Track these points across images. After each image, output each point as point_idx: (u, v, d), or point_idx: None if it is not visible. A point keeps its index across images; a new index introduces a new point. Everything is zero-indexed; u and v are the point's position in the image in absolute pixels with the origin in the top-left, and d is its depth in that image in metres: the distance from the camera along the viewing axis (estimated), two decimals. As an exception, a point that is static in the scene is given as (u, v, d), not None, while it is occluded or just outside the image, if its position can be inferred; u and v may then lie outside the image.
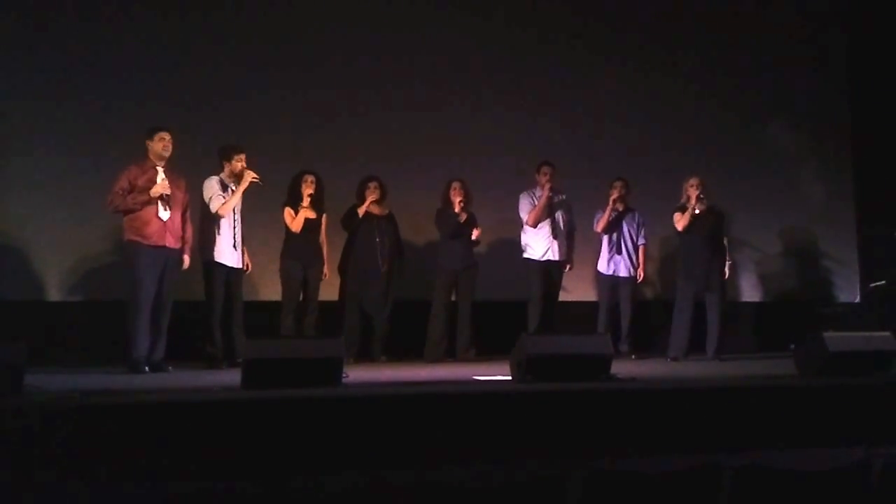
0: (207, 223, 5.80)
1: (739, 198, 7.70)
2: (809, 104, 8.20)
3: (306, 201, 6.12)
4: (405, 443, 3.41)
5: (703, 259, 6.39)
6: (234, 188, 5.83)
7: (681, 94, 7.83)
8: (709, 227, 6.42)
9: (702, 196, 6.37)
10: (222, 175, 5.87)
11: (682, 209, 6.42)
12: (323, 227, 6.30)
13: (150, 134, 5.48)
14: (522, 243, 6.71)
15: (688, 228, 6.41)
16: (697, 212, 6.36)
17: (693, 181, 6.43)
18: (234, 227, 5.84)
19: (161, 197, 5.40)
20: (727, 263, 6.55)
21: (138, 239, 5.36)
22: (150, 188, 5.38)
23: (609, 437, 3.62)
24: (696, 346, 6.42)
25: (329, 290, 6.43)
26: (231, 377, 4.22)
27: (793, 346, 4.81)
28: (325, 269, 6.30)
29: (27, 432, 3.14)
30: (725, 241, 6.58)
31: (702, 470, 2.37)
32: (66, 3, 6.66)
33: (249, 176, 5.77)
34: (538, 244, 6.64)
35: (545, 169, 6.61)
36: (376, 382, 4.51)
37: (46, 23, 6.59)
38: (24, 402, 3.45)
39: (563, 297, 6.90)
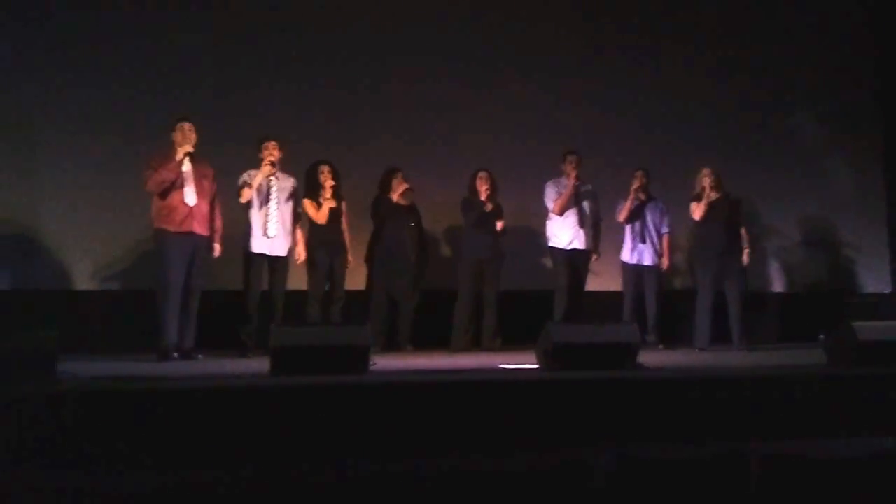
0: (245, 214, 5.92)
1: (768, 187, 7.64)
2: (839, 92, 8.10)
3: (329, 192, 6.15)
4: (432, 431, 3.42)
5: (719, 248, 6.39)
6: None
7: (708, 83, 7.76)
8: (725, 216, 6.42)
9: (714, 185, 6.36)
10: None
11: (698, 199, 6.44)
12: (344, 214, 6.33)
13: (172, 125, 5.56)
14: (548, 232, 6.69)
15: (704, 217, 6.40)
16: (711, 200, 6.35)
17: (706, 171, 6.45)
18: (267, 216, 5.90)
19: (186, 180, 5.45)
20: (745, 251, 6.50)
21: (165, 226, 5.43)
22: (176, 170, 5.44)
23: (636, 426, 3.61)
24: (724, 336, 6.38)
25: (354, 279, 6.47)
26: (261, 365, 4.26)
27: (822, 336, 4.76)
28: (349, 257, 6.34)
29: (60, 419, 3.18)
30: (743, 230, 6.54)
31: (729, 457, 2.36)
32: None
33: (265, 161, 5.84)
34: (564, 233, 6.62)
35: (571, 158, 6.59)
36: (403, 370, 4.52)
37: (80, 15, 6.68)
38: (56, 389, 3.50)
39: (590, 286, 6.88)
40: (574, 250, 6.62)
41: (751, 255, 6.58)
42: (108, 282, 6.61)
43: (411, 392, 3.55)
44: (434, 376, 4.13)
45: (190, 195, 5.47)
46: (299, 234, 6.14)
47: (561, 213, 6.60)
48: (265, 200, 5.93)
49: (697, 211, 6.43)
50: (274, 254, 5.94)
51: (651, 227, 6.78)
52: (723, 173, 6.68)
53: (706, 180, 6.42)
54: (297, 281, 6.33)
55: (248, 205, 5.91)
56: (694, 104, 7.72)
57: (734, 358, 5.63)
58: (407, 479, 2.70)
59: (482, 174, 6.56)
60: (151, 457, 3.14)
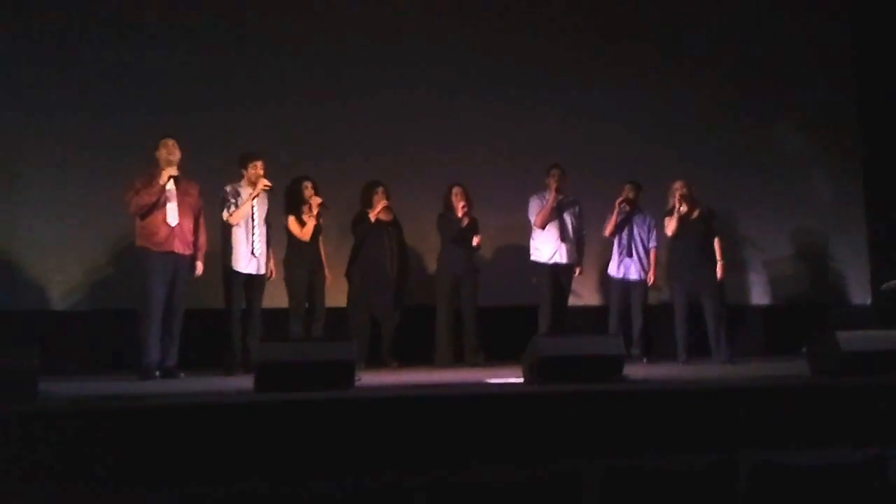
0: (226, 231, 5.88)
1: (748, 199, 7.69)
2: (818, 104, 8.16)
3: (316, 209, 6.12)
4: (419, 445, 3.40)
5: (691, 263, 6.41)
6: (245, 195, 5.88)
7: (690, 96, 7.80)
8: (698, 231, 6.45)
9: (684, 199, 6.40)
10: (242, 183, 5.93)
11: (670, 213, 6.48)
12: (321, 231, 6.30)
13: (156, 142, 5.55)
14: (531, 246, 6.71)
15: (677, 233, 6.44)
16: (682, 214, 6.39)
17: (676, 185, 6.50)
18: (253, 234, 5.89)
19: (169, 199, 5.43)
20: (719, 264, 6.53)
21: (147, 245, 5.41)
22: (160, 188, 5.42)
23: (623, 438, 3.61)
24: (708, 349, 6.40)
25: (336, 296, 6.44)
26: (245, 383, 4.23)
27: (804, 348, 4.79)
28: (327, 273, 6.31)
29: (42, 438, 3.15)
30: (717, 243, 6.53)
31: (718, 466, 2.36)
32: (74, 14, 6.72)
33: (262, 183, 5.83)
34: (546, 247, 6.63)
35: (553, 171, 6.62)
36: (389, 385, 4.51)
37: (59, 33, 6.65)
38: (38, 408, 3.46)
39: (574, 301, 6.90)
40: (556, 264, 6.63)
41: (725, 268, 6.57)
42: (90, 301, 6.54)
43: (398, 406, 3.53)
44: (420, 391, 4.12)
45: (172, 215, 5.45)
46: (271, 251, 6.10)
47: (542, 227, 6.62)
48: (250, 219, 5.90)
49: (670, 226, 6.47)
50: (256, 272, 5.92)
51: (638, 241, 6.79)
52: (705, 185, 6.75)
53: (676, 194, 6.46)
54: (277, 299, 6.29)
55: (230, 223, 5.86)
56: (679, 117, 7.75)
57: (717, 371, 5.65)
58: (394, 493, 2.68)
59: (456, 190, 6.57)
60: (135, 475, 3.11)
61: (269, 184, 5.84)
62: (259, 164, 5.92)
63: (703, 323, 6.42)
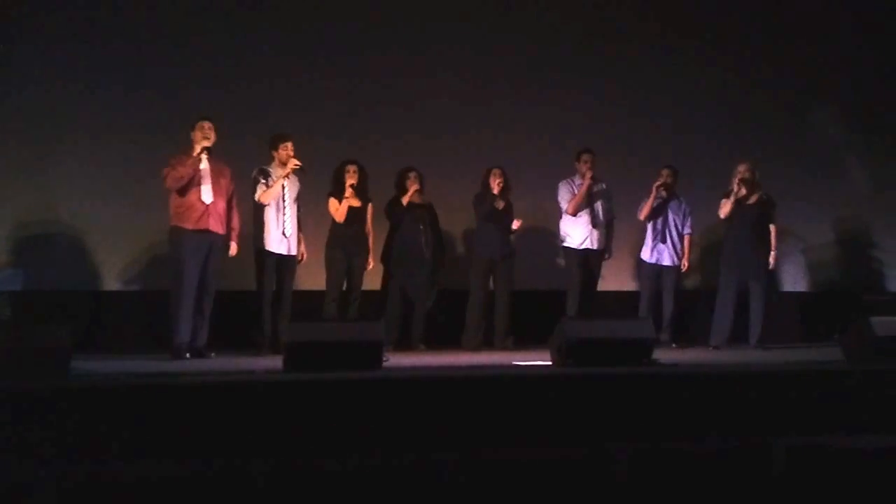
0: (258, 212, 5.93)
1: (786, 185, 7.52)
2: (859, 90, 8.00)
3: (349, 192, 6.15)
4: (445, 425, 3.39)
5: (746, 247, 6.33)
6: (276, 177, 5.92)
7: (728, 80, 7.67)
8: (754, 216, 6.35)
9: (744, 182, 6.29)
10: (272, 165, 5.96)
11: (729, 196, 6.37)
12: (368, 216, 6.33)
13: (192, 124, 5.58)
14: (561, 232, 6.66)
15: (731, 216, 6.34)
16: (738, 199, 6.29)
17: (740, 167, 6.39)
18: (284, 215, 5.93)
19: (203, 179, 5.47)
20: (772, 253, 6.44)
21: (182, 224, 5.45)
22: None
23: (652, 421, 3.57)
24: (739, 336, 6.33)
25: (372, 279, 6.46)
26: (274, 363, 4.25)
27: (837, 335, 4.72)
28: (370, 258, 6.33)
29: (72, 414, 3.19)
30: (773, 230, 6.46)
31: (751, 448, 2.32)
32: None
33: (292, 163, 5.86)
34: (577, 233, 6.58)
35: (585, 157, 6.55)
36: (416, 367, 4.51)
37: (100, 12, 6.67)
38: (69, 385, 3.51)
39: (603, 286, 6.84)
40: (587, 250, 6.58)
41: (777, 257, 6.50)
42: (126, 282, 6.59)
43: (425, 387, 3.53)
44: (448, 372, 4.11)
45: (206, 193, 5.49)
46: (301, 233, 6.12)
47: (574, 213, 6.56)
48: (281, 199, 5.94)
49: (723, 208, 6.37)
50: (287, 253, 5.96)
51: (672, 226, 6.71)
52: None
53: (737, 177, 6.35)
54: (315, 281, 6.31)
55: (262, 203, 5.91)
56: (717, 101, 7.62)
57: (749, 356, 5.59)
58: (416, 472, 2.68)
59: (496, 170, 6.53)
60: (162, 450, 3.14)
61: (299, 163, 5.88)
62: (289, 144, 5.95)
63: (743, 309, 6.34)
